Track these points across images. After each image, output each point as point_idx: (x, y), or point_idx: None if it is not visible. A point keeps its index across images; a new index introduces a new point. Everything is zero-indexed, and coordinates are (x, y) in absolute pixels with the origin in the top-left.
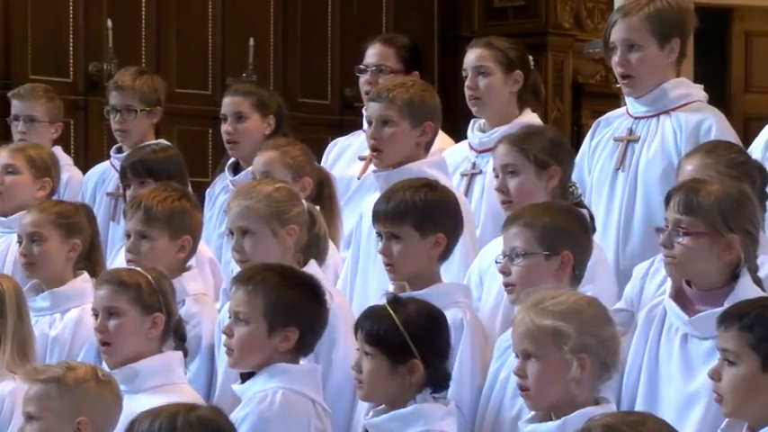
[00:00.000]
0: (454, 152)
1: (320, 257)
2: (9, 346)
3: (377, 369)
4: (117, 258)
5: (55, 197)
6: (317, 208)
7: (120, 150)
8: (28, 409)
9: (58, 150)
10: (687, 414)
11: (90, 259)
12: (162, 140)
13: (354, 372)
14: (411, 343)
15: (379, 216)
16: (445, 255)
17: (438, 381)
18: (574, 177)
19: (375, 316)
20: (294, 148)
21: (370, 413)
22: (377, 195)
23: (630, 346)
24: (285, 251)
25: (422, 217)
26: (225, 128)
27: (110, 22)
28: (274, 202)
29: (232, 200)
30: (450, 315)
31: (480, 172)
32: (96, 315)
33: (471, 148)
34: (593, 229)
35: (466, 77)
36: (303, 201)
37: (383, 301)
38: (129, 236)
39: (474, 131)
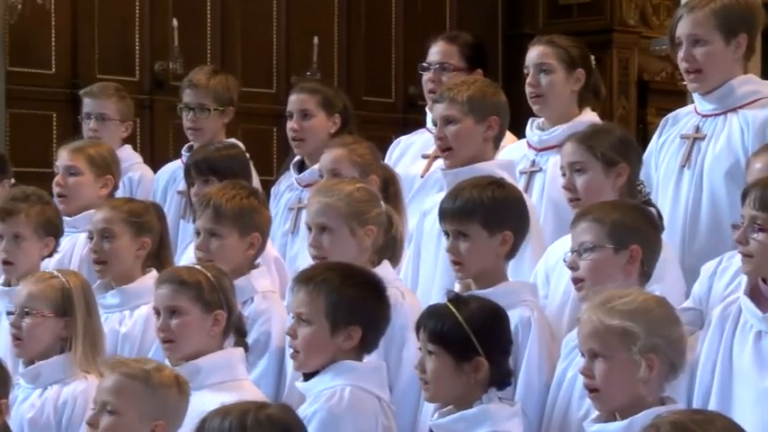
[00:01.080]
0: (512, 151)
1: (395, 259)
2: (80, 344)
3: (441, 368)
4: (184, 255)
5: (119, 193)
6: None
7: (191, 149)
8: (107, 400)
9: (128, 149)
10: (762, 412)
11: (159, 257)
12: (232, 139)
13: (418, 371)
14: (475, 340)
15: (446, 214)
16: (512, 253)
17: (502, 378)
18: (641, 175)
19: (438, 314)
20: (361, 147)
21: (436, 414)
22: (440, 194)
23: (703, 344)
24: (362, 251)
25: (489, 215)
26: (290, 125)
27: (175, 22)
28: (355, 202)
29: (312, 196)
30: (518, 314)
31: (540, 170)
32: (158, 314)
33: (530, 146)
34: (662, 228)
35: (527, 75)
36: (382, 203)
37: (444, 300)
38: (198, 234)
39: (533, 129)
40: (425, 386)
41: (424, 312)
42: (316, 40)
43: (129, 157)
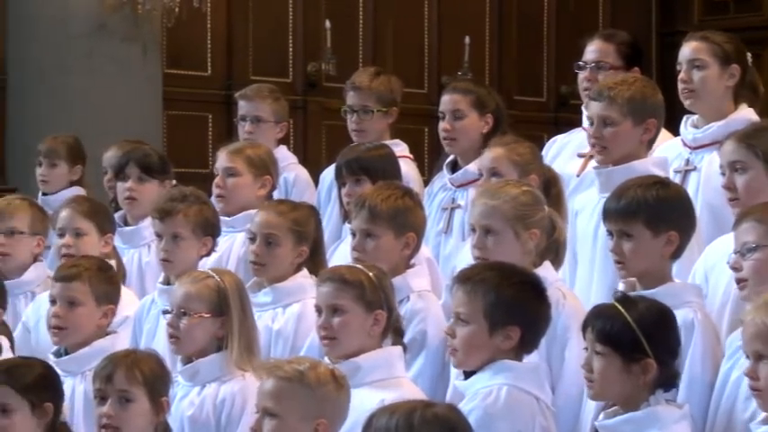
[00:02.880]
0: (666, 149)
1: (558, 262)
2: (236, 342)
3: (609, 368)
4: (335, 255)
5: (277, 194)
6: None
7: None
8: (267, 405)
9: (283, 150)
10: None
11: (313, 261)
12: (396, 140)
13: (584, 371)
14: (644, 341)
15: (610, 214)
16: (677, 253)
17: (669, 380)
18: None
19: (606, 315)
20: (521, 146)
21: (601, 415)
22: (591, 192)
23: None
24: (526, 254)
25: (654, 215)
26: (442, 125)
27: (328, 23)
28: (520, 205)
29: (477, 198)
30: (681, 315)
31: (695, 168)
32: (319, 312)
33: (684, 144)
34: None
35: (680, 71)
36: (546, 206)
37: (606, 299)
38: (354, 234)
39: (687, 128)
40: (590, 385)
41: (591, 312)
42: (467, 39)
43: (284, 157)
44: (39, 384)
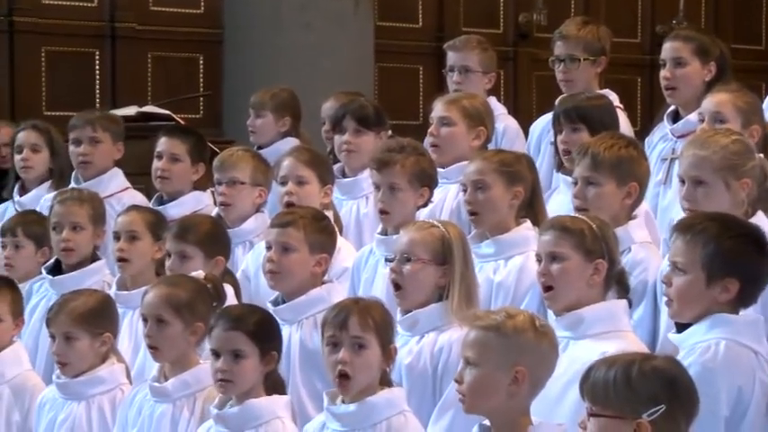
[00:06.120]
0: None
1: None
2: (457, 292)
3: None
4: (548, 204)
5: (491, 146)
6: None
7: None
8: (468, 355)
9: (492, 100)
10: None
11: (532, 207)
12: (606, 89)
13: None
14: None
15: None
16: None
17: None
18: None
19: None
20: (747, 95)
21: None
22: None
23: None
24: (736, 204)
25: None
26: (663, 73)
27: None
28: (731, 155)
29: (686, 148)
30: None
31: None
32: (539, 260)
33: None
34: None
35: None
36: (757, 154)
37: None
38: (575, 182)
39: None
40: None
41: None
42: None
43: (494, 107)
44: (267, 332)
